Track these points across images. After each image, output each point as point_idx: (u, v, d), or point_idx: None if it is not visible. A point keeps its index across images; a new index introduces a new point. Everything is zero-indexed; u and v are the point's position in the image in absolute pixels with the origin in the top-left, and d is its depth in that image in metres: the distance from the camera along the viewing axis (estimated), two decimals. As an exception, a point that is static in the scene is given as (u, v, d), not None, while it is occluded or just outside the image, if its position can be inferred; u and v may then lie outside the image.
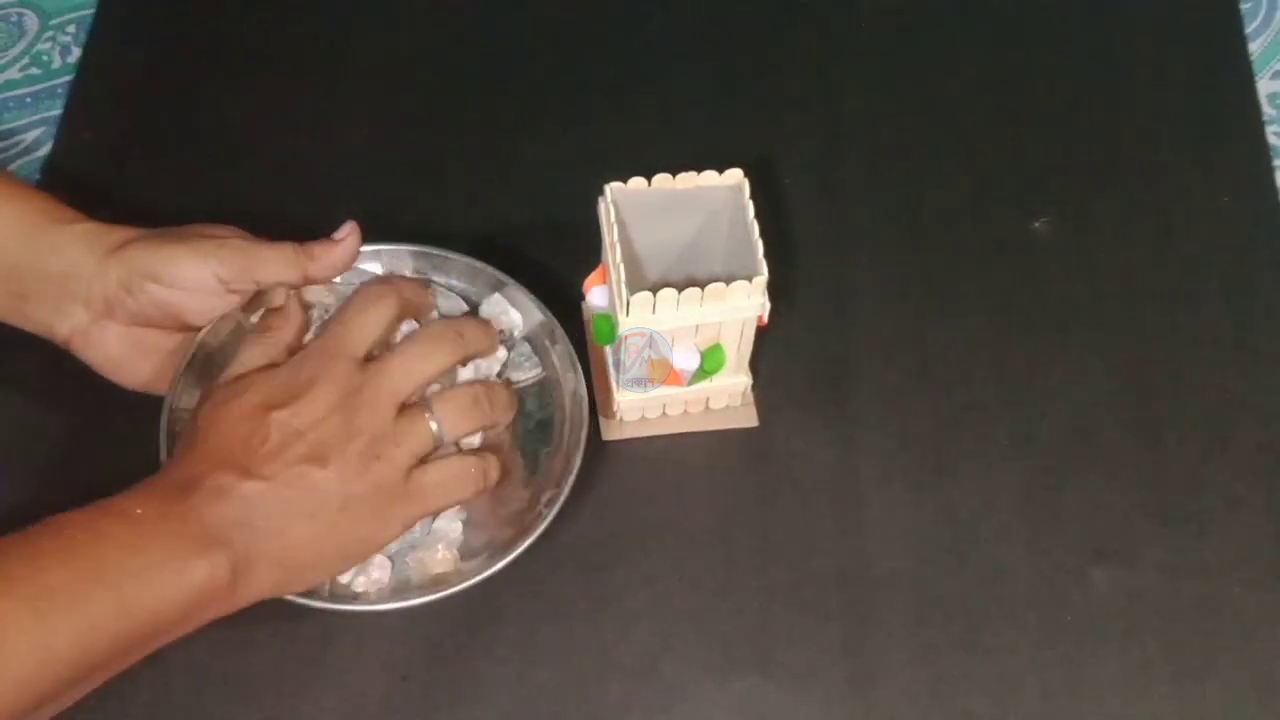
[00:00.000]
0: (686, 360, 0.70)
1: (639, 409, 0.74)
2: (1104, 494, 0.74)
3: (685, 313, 0.67)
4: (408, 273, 0.75)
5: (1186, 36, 0.93)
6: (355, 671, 0.68)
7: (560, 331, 0.73)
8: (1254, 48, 0.92)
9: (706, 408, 0.76)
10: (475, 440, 0.69)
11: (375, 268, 0.74)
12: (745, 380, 0.74)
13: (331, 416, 0.63)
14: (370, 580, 0.66)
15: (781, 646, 0.69)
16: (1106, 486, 0.74)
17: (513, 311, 0.74)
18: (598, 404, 0.75)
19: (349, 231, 0.69)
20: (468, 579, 0.66)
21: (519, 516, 0.69)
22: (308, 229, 0.83)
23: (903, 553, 0.72)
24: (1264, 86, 0.91)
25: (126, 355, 0.69)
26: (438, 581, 0.66)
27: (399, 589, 0.67)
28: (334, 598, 0.66)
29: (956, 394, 0.77)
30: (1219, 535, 0.72)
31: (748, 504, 0.74)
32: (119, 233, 0.67)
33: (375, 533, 0.64)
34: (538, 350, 0.74)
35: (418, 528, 0.68)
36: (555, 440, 0.71)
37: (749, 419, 0.76)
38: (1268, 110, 0.89)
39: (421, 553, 0.67)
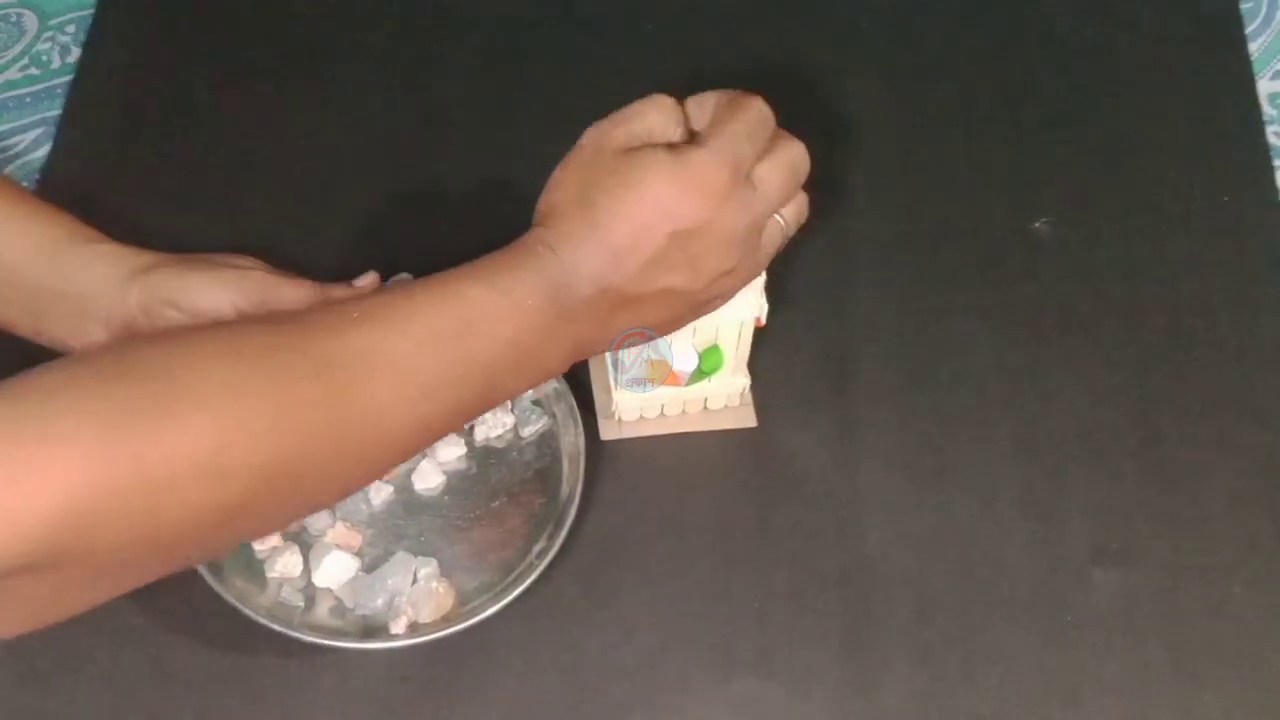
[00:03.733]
0: (685, 361, 0.70)
1: (638, 409, 0.74)
2: (1104, 494, 0.74)
3: (685, 312, 0.67)
4: None
5: (1186, 36, 0.93)
6: (354, 670, 0.68)
7: (568, 392, 0.73)
8: (1254, 48, 0.93)
9: (705, 408, 0.75)
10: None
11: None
12: (744, 381, 0.74)
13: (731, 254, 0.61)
14: (405, 622, 0.67)
15: (781, 646, 0.69)
16: (1106, 486, 0.74)
17: None
18: (597, 404, 0.75)
19: (370, 281, 0.70)
20: (462, 620, 0.67)
21: (511, 564, 0.69)
22: (307, 227, 0.83)
23: (903, 553, 0.72)
24: (1264, 86, 0.91)
25: None
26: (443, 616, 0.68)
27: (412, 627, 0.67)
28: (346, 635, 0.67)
29: (956, 394, 0.77)
30: (1219, 535, 0.72)
31: (748, 504, 0.73)
32: (142, 256, 0.67)
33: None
34: (542, 400, 0.75)
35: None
36: (551, 491, 0.72)
37: (748, 419, 0.75)
38: (1268, 110, 0.89)
39: (420, 596, 0.68)
